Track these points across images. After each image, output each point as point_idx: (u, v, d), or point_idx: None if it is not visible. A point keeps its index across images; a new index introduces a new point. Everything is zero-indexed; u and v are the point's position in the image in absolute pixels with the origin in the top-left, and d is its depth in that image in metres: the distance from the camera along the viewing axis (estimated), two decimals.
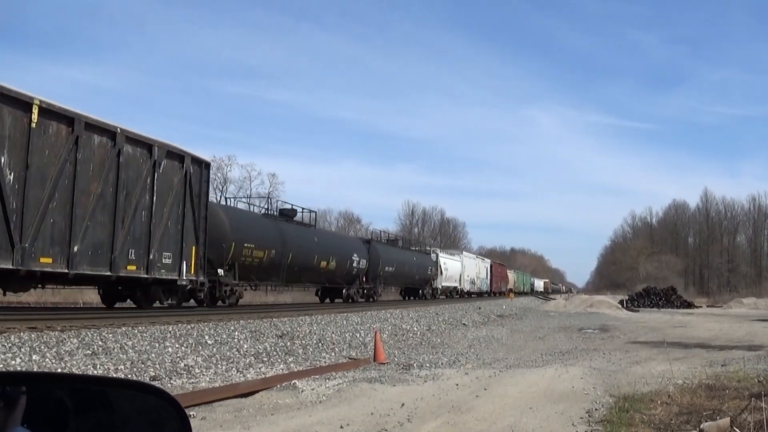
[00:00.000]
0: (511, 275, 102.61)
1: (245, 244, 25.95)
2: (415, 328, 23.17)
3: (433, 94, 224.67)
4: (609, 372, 12.48)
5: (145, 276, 19.07)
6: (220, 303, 25.26)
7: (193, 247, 21.53)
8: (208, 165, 23.04)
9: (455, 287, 63.19)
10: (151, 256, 19.08)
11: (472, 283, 70.26)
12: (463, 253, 71.47)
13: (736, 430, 6.66)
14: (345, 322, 21.42)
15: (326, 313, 24.33)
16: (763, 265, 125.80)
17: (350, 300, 37.85)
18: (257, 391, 9.54)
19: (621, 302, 55.49)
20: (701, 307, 61.51)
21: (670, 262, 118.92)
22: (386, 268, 42.71)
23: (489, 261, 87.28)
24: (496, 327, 28.20)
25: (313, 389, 9.91)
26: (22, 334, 12.29)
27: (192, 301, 24.24)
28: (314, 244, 32.87)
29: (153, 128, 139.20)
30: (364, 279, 39.39)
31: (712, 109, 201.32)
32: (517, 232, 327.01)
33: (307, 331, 18.25)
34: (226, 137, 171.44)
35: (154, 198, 19.30)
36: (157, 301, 21.12)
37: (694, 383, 10.42)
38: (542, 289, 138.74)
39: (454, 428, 7.44)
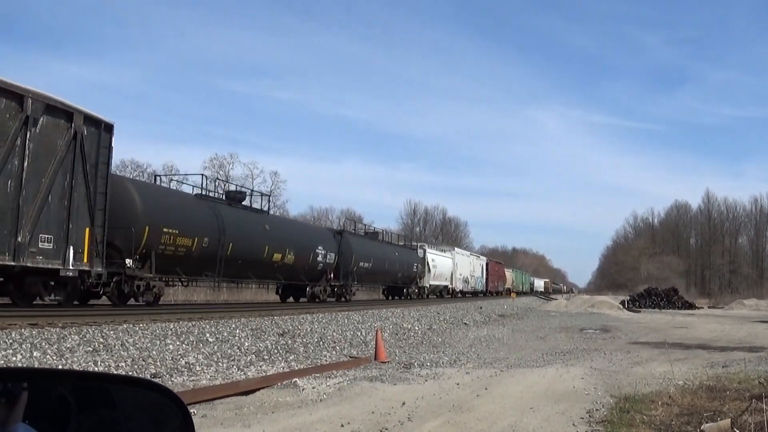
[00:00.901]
0: (509, 274, 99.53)
1: (165, 229, 21.68)
2: (417, 327, 23.17)
3: (437, 94, 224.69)
4: (610, 372, 12.47)
5: (12, 264, 15.37)
6: (132, 301, 22.03)
7: (87, 230, 17.70)
8: (109, 127, 18.71)
9: (446, 286, 59.29)
10: (19, 239, 15.35)
11: (466, 281, 66.27)
12: (455, 249, 67.16)
13: (737, 431, 6.66)
14: (346, 321, 21.42)
15: (327, 311, 24.32)
16: (764, 267, 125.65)
17: (316, 299, 33.61)
18: (258, 389, 9.55)
19: (622, 303, 55.45)
20: (702, 308, 61.51)
21: (672, 262, 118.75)
22: (361, 264, 38.22)
23: (485, 258, 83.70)
24: (498, 327, 28.20)
25: (313, 387, 9.91)
26: (23, 330, 12.30)
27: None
28: (264, 233, 28.29)
29: (155, 125, 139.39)
30: (332, 275, 35.18)
31: (715, 110, 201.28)
32: (518, 232, 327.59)
33: (308, 329, 18.25)
34: (228, 135, 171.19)
35: (26, 164, 15.53)
36: (38, 297, 17.65)
37: (695, 384, 10.42)
38: (542, 289, 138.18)
39: (455, 427, 7.44)
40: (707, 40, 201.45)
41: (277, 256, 29.03)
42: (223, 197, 28.03)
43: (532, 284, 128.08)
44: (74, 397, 1.74)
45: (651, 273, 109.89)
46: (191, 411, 7.09)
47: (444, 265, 58.03)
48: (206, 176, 28.48)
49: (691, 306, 59.08)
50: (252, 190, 32.20)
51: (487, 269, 78.30)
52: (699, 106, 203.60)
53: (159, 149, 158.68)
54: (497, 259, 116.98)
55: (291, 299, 34.72)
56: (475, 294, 70.17)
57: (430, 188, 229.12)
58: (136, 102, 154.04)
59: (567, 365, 13.58)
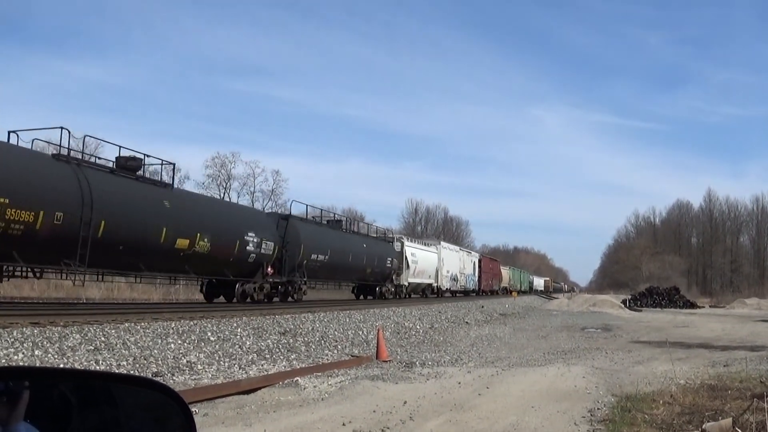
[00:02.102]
0: (505, 272, 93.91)
1: None
2: (418, 326, 23.17)
3: (439, 93, 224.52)
4: (611, 371, 12.47)
5: None
6: None
7: None
8: None
9: (429, 284, 53.49)
10: None
11: (454, 279, 60.52)
12: (441, 243, 59.62)
13: (738, 430, 6.65)
14: (348, 320, 21.43)
15: (329, 310, 24.32)
16: (766, 266, 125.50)
17: (248, 299, 28.18)
18: (259, 388, 9.55)
19: (624, 302, 55.42)
20: (704, 307, 61.45)
21: (674, 262, 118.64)
22: (313, 257, 31.93)
23: (477, 255, 77.63)
24: (499, 326, 28.19)
25: (315, 386, 9.91)
26: (24, 329, 12.32)
27: None
28: (163, 212, 21.88)
29: (157, 124, 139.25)
30: (269, 270, 29.02)
31: (716, 109, 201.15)
32: (520, 231, 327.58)
33: (310, 328, 18.26)
34: (231, 134, 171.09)
35: None
36: None
37: (697, 383, 10.41)
38: (542, 288, 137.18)
39: (456, 426, 7.44)
40: (709, 39, 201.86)
41: (182, 243, 22.59)
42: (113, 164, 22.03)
43: (531, 283, 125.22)
44: (76, 396, 1.74)
45: (652, 272, 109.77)
46: (193, 410, 7.08)
47: (426, 261, 52.11)
48: (68, 130, 19.87)
49: (692, 305, 59.02)
50: (144, 155, 23.26)
51: (479, 266, 73.15)
52: (701, 106, 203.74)
53: (161, 148, 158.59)
54: (498, 258, 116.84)
55: (222, 299, 28.73)
56: (466, 293, 65.63)
57: (432, 187, 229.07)
58: (139, 101, 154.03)
59: (568, 364, 13.58)
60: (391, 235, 50.18)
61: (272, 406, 8.50)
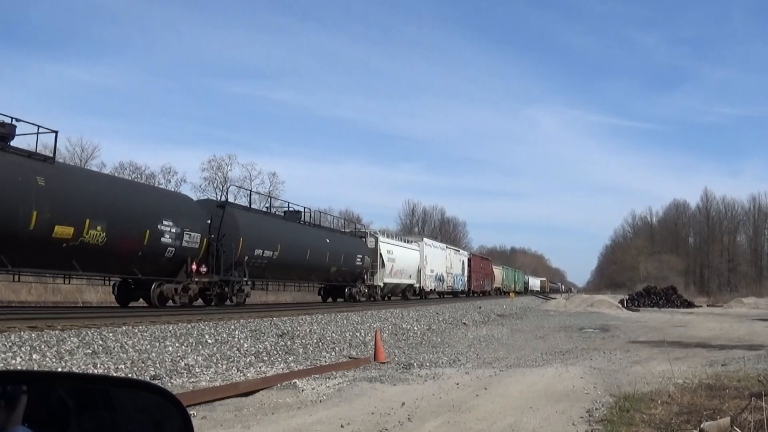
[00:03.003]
0: (498, 272, 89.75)
1: None
2: (416, 328, 23.16)
3: (435, 94, 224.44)
4: (609, 371, 12.47)
5: None
6: None
7: None
8: None
9: (410, 285, 49.23)
10: None
11: (440, 279, 56.50)
12: (424, 240, 55.62)
13: (737, 429, 6.66)
14: (345, 322, 21.43)
15: (327, 312, 24.32)
16: (763, 265, 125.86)
17: (169, 301, 23.87)
18: (257, 391, 9.54)
19: (621, 302, 55.39)
20: (701, 306, 61.45)
21: (671, 261, 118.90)
22: (258, 252, 27.70)
23: (466, 253, 73.47)
24: (497, 326, 28.19)
25: (313, 388, 9.91)
26: (22, 333, 12.31)
27: None
28: (32, 190, 17.37)
29: (153, 127, 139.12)
30: (193, 267, 24.18)
31: (712, 109, 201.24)
32: (517, 232, 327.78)
33: (308, 330, 18.25)
34: (227, 137, 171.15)
35: None
36: None
37: (695, 383, 10.42)
38: (538, 289, 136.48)
39: (455, 427, 7.45)
40: (705, 39, 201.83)
41: (63, 231, 18.17)
42: None
43: (526, 283, 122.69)
44: (73, 400, 1.74)
45: (650, 272, 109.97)
46: (192, 413, 7.08)
47: (406, 259, 47.60)
48: None
49: (690, 305, 59.03)
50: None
51: (469, 265, 69.23)
52: (697, 105, 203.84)
53: (157, 151, 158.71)
54: (495, 259, 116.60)
55: (142, 302, 24.38)
56: (454, 294, 62.11)
57: (429, 188, 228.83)
58: (135, 104, 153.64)
59: (566, 365, 13.58)
60: (363, 230, 46.01)
61: (270, 408, 8.49)
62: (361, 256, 39.02)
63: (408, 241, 51.19)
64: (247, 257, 27.00)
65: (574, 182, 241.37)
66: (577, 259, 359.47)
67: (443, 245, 62.98)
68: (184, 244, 23.34)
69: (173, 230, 22.68)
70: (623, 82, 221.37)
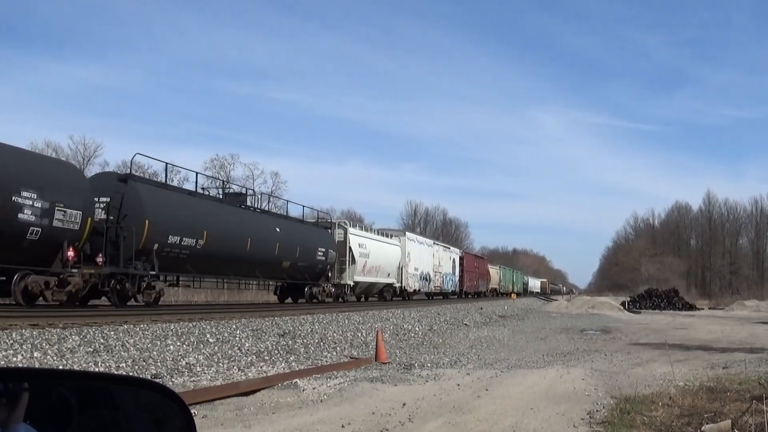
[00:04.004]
0: (494, 272, 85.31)
1: None
2: (417, 328, 23.15)
3: (438, 95, 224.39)
4: (610, 373, 12.47)
5: None
6: None
7: None
8: None
9: (389, 284, 44.21)
10: None
11: (425, 279, 51.58)
12: (407, 234, 49.88)
13: None
14: (347, 322, 21.43)
15: (328, 312, 24.31)
16: (765, 268, 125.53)
17: (38, 298, 19.07)
18: (258, 390, 9.54)
19: (623, 304, 55.39)
20: (703, 309, 61.43)
21: (672, 263, 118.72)
22: (173, 240, 22.64)
23: (458, 251, 68.19)
24: (498, 327, 28.17)
25: (314, 388, 9.91)
26: (23, 331, 12.32)
27: None
28: None
29: (156, 126, 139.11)
30: (70, 254, 19.16)
31: (715, 111, 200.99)
32: (519, 233, 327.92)
33: (309, 330, 18.26)
34: (230, 136, 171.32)
35: None
36: None
37: (696, 385, 10.41)
38: (538, 290, 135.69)
39: (456, 428, 7.44)
40: (707, 41, 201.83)
41: None
42: None
43: (525, 284, 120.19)
44: (75, 398, 1.74)
45: (651, 274, 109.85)
46: (192, 412, 7.09)
47: (383, 255, 42.40)
48: None
49: (691, 307, 59.00)
50: None
51: (461, 264, 64.69)
52: (699, 107, 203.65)
53: (160, 150, 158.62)
54: (497, 260, 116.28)
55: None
56: (444, 295, 58.19)
57: (431, 189, 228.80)
58: (138, 103, 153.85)
59: (567, 366, 13.57)
60: (329, 220, 40.15)
61: (271, 407, 8.50)
62: (323, 250, 33.75)
63: (386, 235, 45.80)
64: (156, 245, 21.89)
65: (576, 184, 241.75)
66: (579, 260, 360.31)
67: (430, 241, 58.09)
68: (56, 223, 18.49)
69: (38, 204, 17.95)
70: (625, 84, 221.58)
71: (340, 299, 36.08)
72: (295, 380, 10.43)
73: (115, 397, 1.84)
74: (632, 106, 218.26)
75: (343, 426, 7.36)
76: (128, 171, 23.79)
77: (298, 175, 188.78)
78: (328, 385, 10.30)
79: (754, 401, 7.72)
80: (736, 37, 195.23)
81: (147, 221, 21.40)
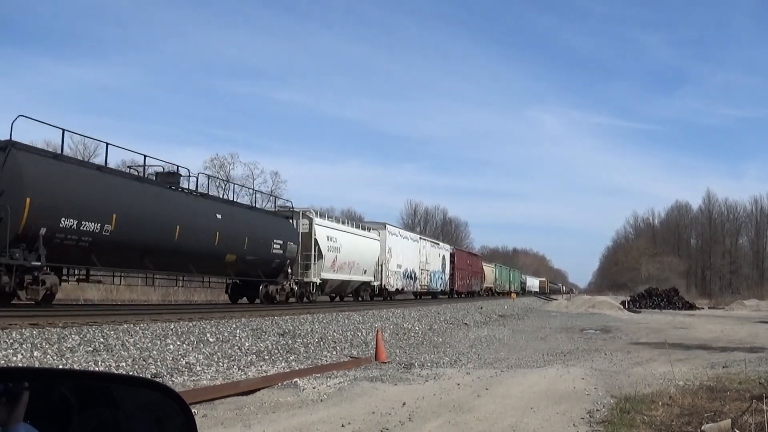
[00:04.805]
0: (489, 270, 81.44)
1: None
2: (417, 328, 23.15)
3: (437, 95, 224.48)
4: (610, 373, 12.47)
5: None
6: None
7: None
8: None
9: (365, 282, 39.97)
10: None
11: (410, 277, 47.52)
12: (388, 227, 44.45)
13: (737, 431, 6.65)
14: (347, 321, 21.43)
15: (328, 311, 24.31)
16: (765, 267, 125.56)
17: None
18: (258, 389, 9.54)
19: (623, 303, 55.40)
20: (703, 308, 61.45)
21: (672, 263, 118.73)
22: (66, 224, 18.62)
23: (449, 247, 63.63)
24: (498, 327, 28.17)
25: (314, 388, 9.91)
26: (23, 330, 12.32)
27: None
28: None
29: (156, 126, 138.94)
30: None
31: (715, 110, 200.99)
32: (519, 233, 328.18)
33: (309, 329, 18.26)
34: (230, 136, 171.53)
35: None
36: None
37: (696, 385, 10.41)
38: (537, 289, 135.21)
39: (456, 428, 7.44)
40: (707, 41, 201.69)
41: None
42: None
43: (523, 283, 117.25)
44: (76, 397, 1.74)
45: (651, 273, 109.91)
46: (192, 411, 7.07)
47: (359, 250, 37.92)
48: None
49: (691, 306, 59.02)
50: None
51: (452, 261, 60.80)
52: (699, 107, 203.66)
53: (160, 150, 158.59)
54: (497, 259, 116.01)
55: None
56: (432, 295, 54.69)
57: (431, 189, 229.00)
58: (137, 103, 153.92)
59: (567, 366, 13.58)
60: (290, 208, 34.47)
61: (271, 407, 8.49)
62: (280, 242, 29.22)
63: (363, 228, 41.27)
64: (44, 230, 17.96)
65: (576, 183, 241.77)
66: (579, 260, 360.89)
67: (416, 235, 53.42)
68: None
69: None
70: (625, 84, 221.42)
71: (305, 299, 31.91)
72: (295, 380, 10.43)
73: (116, 396, 1.84)
74: (632, 106, 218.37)
75: (343, 425, 7.36)
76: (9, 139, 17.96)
77: (298, 174, 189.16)
78: (328, 384, 10.30)
79: (754, 401, 7.72)
80: (737, 37, 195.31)
81: (28, 199, 17.41)
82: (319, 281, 32.92)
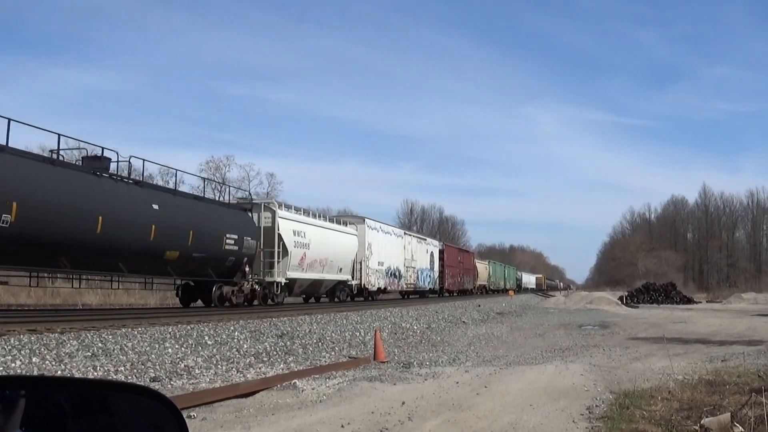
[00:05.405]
0: (482, 267, 78.16)
1: None
2: (415, 327, 23.16)
3: (433, 93, 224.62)
4: (609, 368, 12.48)
5: None
6: None
7: None
8: None
9: (341, 281, 36.17)
10: None
11: (393, 275, 44.04)
12: (367, 221, 40.59)
13: (737, 425, 6.66)
14: (345, 321, 21.43)
15: (326, 312, 24.29)
16: (762, 260, 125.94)
17: None
18: (257, 391, 9.54)
19: (620, 298, 55.47)
20: (701, 302, 61.53)
21: (670, 257, 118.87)
22: None
23: (437, 243, 59.88)
24: (496, 324, 28.19)
25: (313, 389, 9.90)
26: (22, 336, 12.31)
27: None
28: None
29: (152, 129, 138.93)
30: None
31: (710, 105, 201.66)
32: (516, 230, 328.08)
33: (307, 330, 18.26)
34: (225, 138, 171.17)
35: None
36: None
37: (695, 379, 10.43)
38: (534, 286, 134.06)
39: (455, 426, 7.44)
40: (702, 36, 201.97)
41: None
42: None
43: (519, 280, 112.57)
44: (71, 404, 1.74)
45: (649, 268, 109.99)
46: (191, 414, 7.09)
47: (332, 246, 34.06)
48: None
49: (689, 301, 59.11)
50: None
51: (441, 258, 57.16)
52: (694, 102, 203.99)
53: (156, 153, 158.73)
54: (494, 256, 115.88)
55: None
56: (420, 294, 51.74)
57: (427, 187, 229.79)
58: (133, 106, 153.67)
59: (566, 362, 13.59)
60: (250, 200, 31.76)
61: (270, 408, 8.49)
62: (235, 237, 25.84)
63: (341, 222, 37.47)
64: None
65: (572, 180, 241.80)
66: (576, 256, 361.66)
67: (400, 231, 49.33)
68: None
69: None
70: (620, 79, 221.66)
71: (268, 300, 28.52)
72: (294, 381, 10.42)
73: (111, 403, 1.84)
74: (627, 102, 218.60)
75: (342, 426, 7.36)
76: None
77: (294, 175, 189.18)
78: (327, 385, 10.29)
79: (753, 394, 7.73)
80: (731, 31, 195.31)
81: None
82: (284, 281, 29.34)
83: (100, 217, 19.06)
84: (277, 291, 28.98)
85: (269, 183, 77.31)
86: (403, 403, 8.66)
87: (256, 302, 27.59)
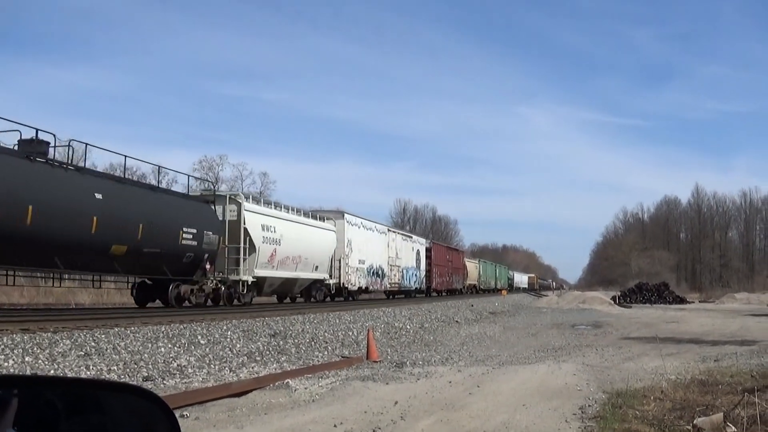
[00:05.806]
0: (472, 266, 76.43)
1: None
2: (408, 326, 23.16)
3: (427, 93, 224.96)
4: (602, 368, 12.50)
5: None
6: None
7: None
8: None
9: (318, 280, 33.99)
10: None
11: (376, 274, 42.05)
12: (346, 217, 38.02)
13: (730, 425, 6.68)
14: (338, 321, 21.41)
15: (318, 311, 24.28)
16: (755, 260, 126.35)
17: None
18: (250, 391, 9.53)
19: (613, 298, 55.60)
20: (693, 302, 61.66)
21: (662, 257, 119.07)
22: None
23: (424, 241, 57.92)
24: (489, 324, 28.21)
25: (306, 388, 9.90)
26: (14, 335, 12.26)
27: None
28: None
29: (145, 128, 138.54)
30: None
31: (703, 104, 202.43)
32: (509, 229, 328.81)
33: (300, 329, 18.24)
34: (219, 137, 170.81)
35: None
36: None
37: (687, 379, 10.46)
38: (526, 285, 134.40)
39: (448, 425, 7.44)
40: (695, 35, 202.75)
41: None
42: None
43: (511, 279, 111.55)
44: (63, 404, 1.74)
45: (642, 268, 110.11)
46: (184, 414, 7.08)
47: (306, 242, 31.78)
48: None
49: (682, 300, 59.23)
50: None
51: (428, 257, 55.28)
52: (687, 102, 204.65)
53: (149, 152, 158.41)
54: (487, 256, 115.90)
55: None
56: (406, 294, 49.77)
57: (420, 187, 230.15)
58: (126, 105, 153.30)
59: (559, 362, 13.60)
60: (213, 191, 29.29)
61: (263, 408, 8.48)
62: (193, 231, 23.57)
63: (318, 217, 34.80)
64: None
65: (565, 179, 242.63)
66: (569, 256, 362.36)
67: (384, 227, 46.53)
68: None
69: None
70: (614, 79, 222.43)
71: (236, 300, 26.62)
72: (286, 380, 10.42)
73: (103, 402, 1.84)
74: (620, 101, 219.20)
75: (335, 425, 7.35)
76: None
77: (287, 175, 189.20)
78: (320, 384, 10.29)
79: (746, 394, 7.74)
80: (725, 31, 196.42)
81: None
82: (252, 279, 27.08)
83: (31, 207, 16.91)
84: (243, 290, 26.85)
85: (262, 182, 77.31)
86: (396, 402, 8.66)
87: (222, 303, 25.72)
